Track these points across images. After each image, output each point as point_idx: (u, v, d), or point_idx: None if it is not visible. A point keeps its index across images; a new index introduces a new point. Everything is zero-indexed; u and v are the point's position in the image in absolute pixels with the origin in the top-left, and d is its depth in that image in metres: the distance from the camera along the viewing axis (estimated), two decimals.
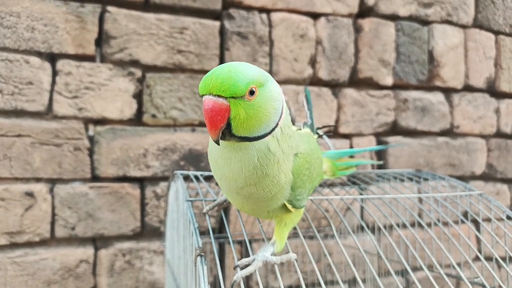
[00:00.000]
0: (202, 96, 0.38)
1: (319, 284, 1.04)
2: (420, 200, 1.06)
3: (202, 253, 0.43)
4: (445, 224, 1.13)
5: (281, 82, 1.00)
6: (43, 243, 0.84)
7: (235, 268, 0.44)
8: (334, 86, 1.07)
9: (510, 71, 1.25)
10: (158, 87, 0.92)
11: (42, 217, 0.83)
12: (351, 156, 0.81)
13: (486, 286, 0.50)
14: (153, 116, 0.91)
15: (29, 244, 0.83)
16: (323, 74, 1.05)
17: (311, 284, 1.02)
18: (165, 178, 0.92)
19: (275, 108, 0.41)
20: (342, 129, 1.07)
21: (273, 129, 0.41)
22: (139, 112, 0.91)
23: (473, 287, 0.51)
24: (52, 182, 0.84)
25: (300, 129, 0.58)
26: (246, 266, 0.46)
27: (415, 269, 1.12)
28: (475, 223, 1.16)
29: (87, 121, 0.87)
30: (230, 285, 0.42)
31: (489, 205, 0.63)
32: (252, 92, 0.38)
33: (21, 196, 0.82)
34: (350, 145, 1.08)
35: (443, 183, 0.75)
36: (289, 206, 0.46)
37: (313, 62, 1.05)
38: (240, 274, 0.43)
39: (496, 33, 1.24)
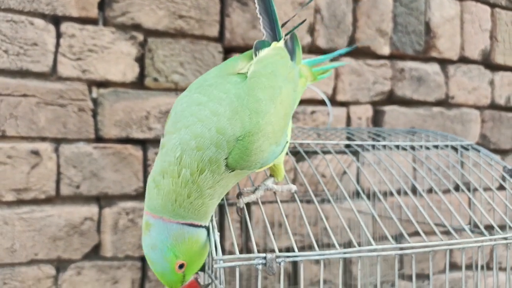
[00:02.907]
0: None
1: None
2: (414, 160, 1.09)
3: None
4: (443, 191, 1.16)
5: None
6: (48, 200, 0.86)
7: (238, 196, 0.47)
8: None
9: (505, 43, 1.28)
10: (160, 51, 0.93)
11: (47, 175, 0.86)
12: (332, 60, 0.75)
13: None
14: (155, 79, 0.93)
15: (35, 201, 0.85)
16: (321, 42, 1.07)
17: (308, 246, 1.06)
18: None
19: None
20: (339, 97, 1.09)
21: None
22: (141, 75, 0.93)
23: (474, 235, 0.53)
24: (57, 141, 0.87)
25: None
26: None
27: (410, 234, 1.15)
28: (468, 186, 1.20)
29: (91, 83, 0.89)
30: (229, 246, 0.44)
31: (480, 159, 0.66)
32: (181, 266, 0.40)
33: (27, 154, 0.84)
34: (347, 113, 1.11)
35: (437, 152, 0.78)
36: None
37: (311, 30, 1.06)
38: (243, 201, 0.45)
39: (492, 5, 1.26)
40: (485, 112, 1.27)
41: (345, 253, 0.44)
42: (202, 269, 0.43)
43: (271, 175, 0.51)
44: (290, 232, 0.47)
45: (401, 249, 0.47)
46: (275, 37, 0.55)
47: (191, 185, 0.39)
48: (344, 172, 1.08)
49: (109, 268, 0.90)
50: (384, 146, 0.66)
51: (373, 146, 0.70)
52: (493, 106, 1.28)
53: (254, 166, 0.42)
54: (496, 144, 1.28)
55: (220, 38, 0.99)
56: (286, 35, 0.56)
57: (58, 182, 0.87)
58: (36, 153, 0.85)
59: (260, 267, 0.38)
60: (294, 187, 0.51)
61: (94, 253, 0.89)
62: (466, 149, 0.69)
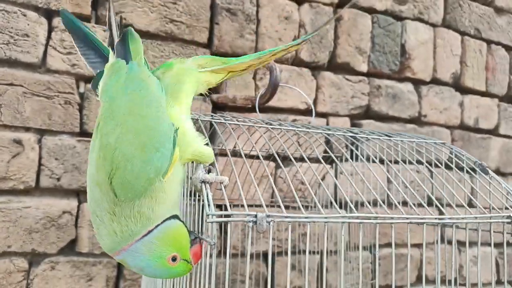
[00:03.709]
0: None
1: (293, 253, 1.09)
2: (389, 180, 1.13)
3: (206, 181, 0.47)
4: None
5: None
6: (27, 191, 0.85)
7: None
8: (314, 68, 1.15)
9: (474, 69, 1.37)
10: (150, 52, 0.96)
11: (28, 165, 0.85)
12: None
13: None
14: None
15: (13, 192, 0.84)
16: (304, 55, 1.12)
17: (285, 252, 1.07)
18: None
19: None
20: (320, 108, 1.14)
21: None
22: None
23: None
24: (41, 132, 0.87)
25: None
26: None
27: (382, 245, 1.19)
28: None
29: (79, 78, 0.90)
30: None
31: (456, 156, 0.70)
32: (174, 259, 0.42)
33: (9, 143, 0.84)
34: (326, 123, 1.15)
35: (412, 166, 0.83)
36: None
37: None
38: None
39: (462, 33, 1.36)
40: (455, 131, 1.34)
41: (327, 217, 0.46)
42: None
43: (198, 164, 0.50)
44: (279, 199, 0.49)
45: (378, 218, 0.49)
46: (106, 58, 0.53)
47: (122, 214, 0.41)
48: (323, 179, 1.11)
49: (84, 264, 0.88)
50: (364, 142, 0.70)
51: (352, 151, 0.74)
52: (463, 126, 1.35)
53: (144, 184, 0.41)
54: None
55: (208, 45, 1.03)
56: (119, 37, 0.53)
57: (38, 173, 0.86)
58: (18, 142, 0.84)
59: (251, 224, 0.40)
60: (226, 180, 0.49)
61: (70, 248, 0.88)
62: (440, 145, 0.74)
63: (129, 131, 0.43)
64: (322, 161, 0.67)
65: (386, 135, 0.76)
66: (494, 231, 0.57)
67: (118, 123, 0.43)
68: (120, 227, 0.41)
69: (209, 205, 0.41)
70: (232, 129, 0.68)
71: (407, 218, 0.51)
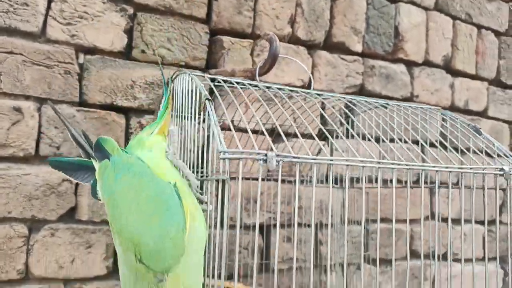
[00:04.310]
0: None
1: (289, 225, 1.12)
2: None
3: (209, 97, 0.49)
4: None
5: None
6: (26, 159, 0.86)
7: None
8: (310, 46, 1.17)
9: (464, 53, 1.40)
10: (149, 25, 0.97)
11: (28, 133, 0.85)
12: None
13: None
14: (143, 51, 0.96)
15: (13, 159, 0.85)
16: (301, 34, 1.14)
17: (280, 225, 1.09)
18: (150, 112, 0.96)
19: None
20: (316, 85, 1.16)
21: None
22: (129, 46, 0.96)
23: None
24: (41, 101, 0.87)
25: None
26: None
27: (374, 221, 1.21)
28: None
29: (78, 49, 0.91)
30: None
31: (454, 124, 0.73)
32: None
33: (8, 110, 0.84)
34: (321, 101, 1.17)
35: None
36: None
37: (292, 22, 1.14)
38: None
39: (454, 18, 1.39)
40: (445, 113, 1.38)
41: (332, 159, 0.48)
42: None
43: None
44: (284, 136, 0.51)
45: (380, 163, 0.51)
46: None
47: None
48: (318, 153, 1.14)
49: (84, 231, 0.89)
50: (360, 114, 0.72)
51: (347, 130, 0.76)
52: (453, 108, 1.39)
53: (172, 246, 0.43)
54: (453, 143, 1.38)
55: (207, 20, 1.04)
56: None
57: (38, 141, 0.87)
58: (18, 110, 0.85)
59: (261, 162, 0.42)
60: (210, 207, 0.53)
61: (70, 215, 0.89)
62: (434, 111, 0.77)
63: (134, 208, 0.46)
64: (317, 139, 0.69)
65: (383, 105, 0.78)
66: (488, 188, 0.59)
67: (122, 207, 0.47)
68: None
69: (221, 142, 0.42)
70: (234, 94, 0.69)
71: (407, 165, 0.53)
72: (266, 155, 0.43)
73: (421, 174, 0.55)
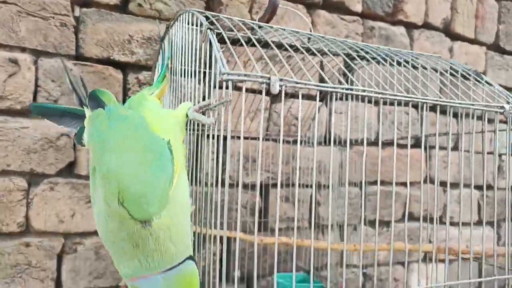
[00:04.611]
0: None
1: (287, 185, 1.13)
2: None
3: (210, 27, 0.48)
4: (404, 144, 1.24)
5: None
6: (23, 113, 0.85)
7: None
8: (309, 5, 1.15)
9: (464, 16, 1.39)
10: None
11: (25, 85, 0.84)
12: None
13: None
14: (139, 5, 0.94)
15: (10, 112, 0.84)
16: None
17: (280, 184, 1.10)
18: (148, 68, 0.95)
19: None
20: (315, 45, 1.15)
21: None
22: (126, 0, 0.93)
23: None
24: (37, 53, 0.86)
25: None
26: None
27: (372, 183, 1.23)
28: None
29: (74, 1, 0.89)
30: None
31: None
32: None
33: (4, 61, 0.83)
34: (320, 61, 1.17)
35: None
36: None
37: None
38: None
39: None
40: (444, 75, 1.37)
41: (334, 87, 0.48)
42: None
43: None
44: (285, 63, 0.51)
45: (381, 93, 0.51)
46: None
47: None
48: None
49: (83, 186, 0.89)
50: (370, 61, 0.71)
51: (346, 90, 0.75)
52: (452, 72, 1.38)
53: (159, 195, 0.43)
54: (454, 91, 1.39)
55: None
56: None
57: (35, 94, 0.85)
58: (14, 61, 0.83)
59: (264, 85, 0.42)
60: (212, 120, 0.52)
61: (68, 170, 0.89)
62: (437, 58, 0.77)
63: (126, 154, 0.45)
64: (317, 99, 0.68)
65: (383, 58, 0.77)
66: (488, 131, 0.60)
67: (113, 152, 0.46)
68: (145, 258, 0.43)
69: (223, 64, 0.42)
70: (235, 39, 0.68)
71: (406, 97, 0.53)
72: (269, 78, 0.42)
73: (424, 107, 0.55)
